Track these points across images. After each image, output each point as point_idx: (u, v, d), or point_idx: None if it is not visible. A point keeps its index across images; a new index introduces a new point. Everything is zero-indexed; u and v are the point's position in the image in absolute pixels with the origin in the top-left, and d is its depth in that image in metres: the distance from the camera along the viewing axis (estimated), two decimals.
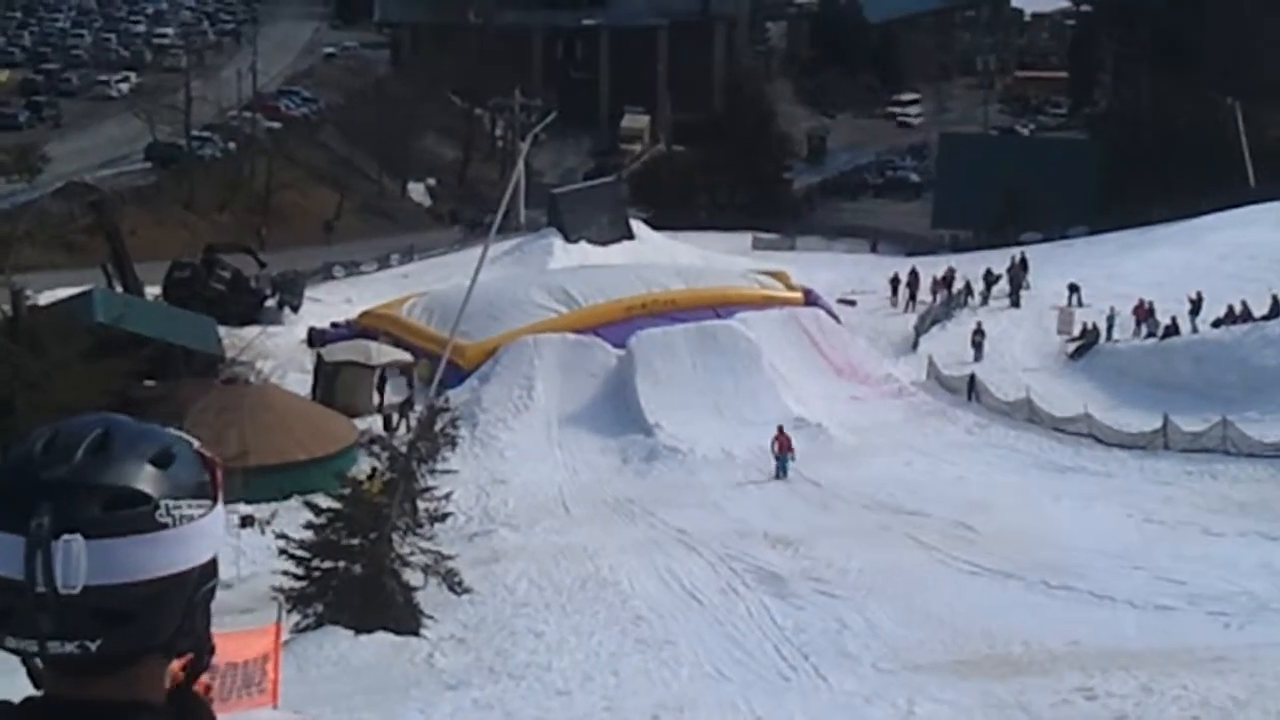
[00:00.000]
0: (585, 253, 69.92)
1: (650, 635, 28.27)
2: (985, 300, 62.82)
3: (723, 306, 55.44)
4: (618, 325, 53.37)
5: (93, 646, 2.09)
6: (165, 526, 2.11)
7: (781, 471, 42.03)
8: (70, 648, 2.08)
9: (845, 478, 41.54)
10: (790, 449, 42.31)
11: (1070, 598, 30.02)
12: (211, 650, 2.28)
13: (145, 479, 2.12)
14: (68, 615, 2.06)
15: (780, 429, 42.95)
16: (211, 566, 2.21)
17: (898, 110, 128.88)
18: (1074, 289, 60.34)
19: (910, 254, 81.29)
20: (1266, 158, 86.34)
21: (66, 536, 2.04)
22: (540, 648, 27.60)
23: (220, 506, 2.21)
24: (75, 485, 2.08)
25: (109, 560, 2.06)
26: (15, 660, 2.16)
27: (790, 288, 60.34)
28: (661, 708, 22.77)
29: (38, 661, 2.14)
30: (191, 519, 2.14)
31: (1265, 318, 52.76)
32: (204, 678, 2.31)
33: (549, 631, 28.58)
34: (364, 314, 59.95)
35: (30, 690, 2.20)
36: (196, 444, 2.24)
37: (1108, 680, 23.21)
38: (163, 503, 2.11)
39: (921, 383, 52.54)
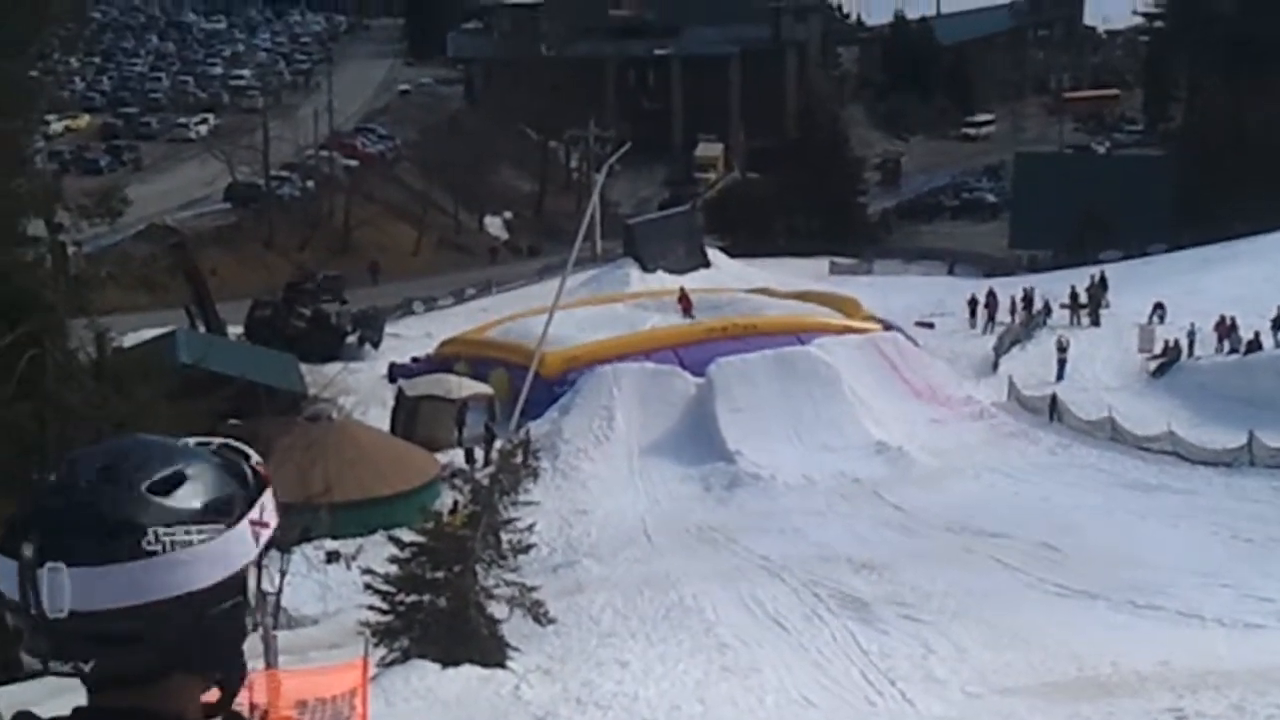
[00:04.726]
0: (662, 282, 70.06)
1: (735, 663, 28.23)
2: (1076, 319, 62.12)
3: (803, 333, 55.40)
4: (698, 346, 53.70)
5: (85, 668, 2.16)
6: (153, 554, 2.13)
7: None
8: (65, 668, 2.16)
9: (927, 501, 41.37)
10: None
11: (1158, 617, 29.83)
12: (244, 668, 2.32)
13: (138, 507, 2.14)
14: (59, 638, 2.13)
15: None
16: (228, 586, 2.21)
17: (971, 130, 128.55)
18: (1158, 307, 59.71)
19: (988, 275, 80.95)
20: None
21: (51, 564, 2.11)
22: (626, 678, 27.59)
23: (244, 525, 2.22)
24: (66, 513, 2.14)
25: (92, 588, 2.11)
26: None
27: (862, 316, 60.17)
28: None
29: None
30: (189, 544, 2.15)
31: None
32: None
33: (634, 661, 28.56)
34: (444, 342, 60.36)
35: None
36: (255, 459, 2.27)
37: (1198, 700, 23.08)
38: (151, 530, 2.13)
39: (1002, 404, 52.16)
